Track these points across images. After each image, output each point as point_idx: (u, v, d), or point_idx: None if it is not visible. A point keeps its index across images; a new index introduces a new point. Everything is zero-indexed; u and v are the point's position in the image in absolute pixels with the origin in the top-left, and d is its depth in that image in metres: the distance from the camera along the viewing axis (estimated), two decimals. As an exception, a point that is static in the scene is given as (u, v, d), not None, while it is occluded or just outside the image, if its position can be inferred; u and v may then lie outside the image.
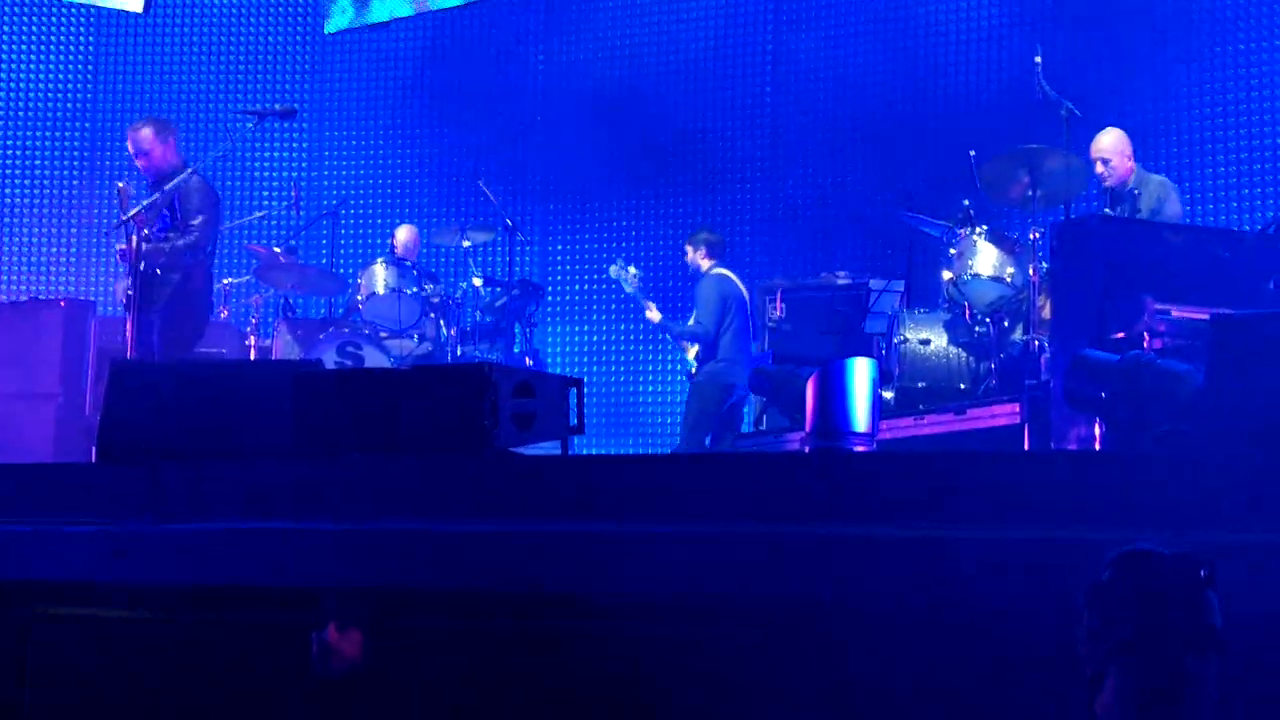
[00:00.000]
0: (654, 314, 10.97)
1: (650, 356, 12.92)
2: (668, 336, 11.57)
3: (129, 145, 9.20)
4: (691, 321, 10.75)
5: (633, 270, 11.22)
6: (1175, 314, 7.15)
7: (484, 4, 13.48)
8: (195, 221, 8.89)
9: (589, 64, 13.37)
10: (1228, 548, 3.77)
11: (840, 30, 12.64)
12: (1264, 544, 3.93)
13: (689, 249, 10.95)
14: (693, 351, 10.70)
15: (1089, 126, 9.26)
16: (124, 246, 8.54)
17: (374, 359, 10.50)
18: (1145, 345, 6.91)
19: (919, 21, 12.31)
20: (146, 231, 8.48)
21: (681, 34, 13.15)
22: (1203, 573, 3.18)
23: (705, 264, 10.81)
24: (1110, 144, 9.11)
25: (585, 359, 13.09)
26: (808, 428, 6.77)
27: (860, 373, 6.51)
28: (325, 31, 13.85)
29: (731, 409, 10.58)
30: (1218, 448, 4.49)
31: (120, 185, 8.81)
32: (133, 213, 8.41)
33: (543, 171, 13.41)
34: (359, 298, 10.94)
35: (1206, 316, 5.83)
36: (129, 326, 8.40)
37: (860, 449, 6.40)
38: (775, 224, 12.68)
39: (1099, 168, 9.10)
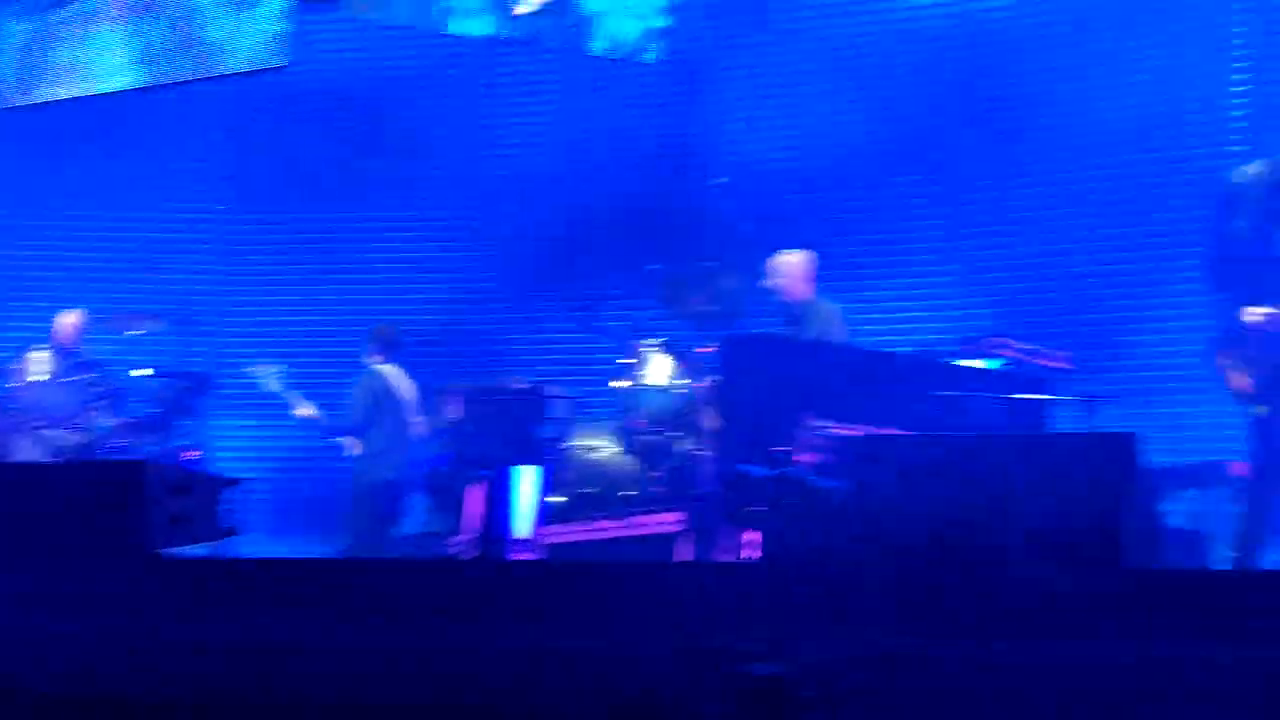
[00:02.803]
0: (305, 410, 10.91)
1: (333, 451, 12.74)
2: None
3: None
4: None
5: (274, 368, 11.14)
6: (833, 430, 7.37)
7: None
8: None
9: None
10: (878, 658, 3.87)
11: (519, 130, 12.76)
12: (905, 652, 4.05)
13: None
14: (353, 447, 10.71)
15: (766, 247, 9.52)
16: None
17: (27, 451, 10.11)
18: (803, 460, 7.09)
19: (595, 136, 12.50)
20: None
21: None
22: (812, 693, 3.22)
23: (370, 360, 10.83)
24: (790, 264, 9.35)
25: (258, 454, 12.79)
26: (472, 533, 6.76)
27: (526, 480, 6.55)
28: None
29: (384, 504, 10.56)
30: (865, 562, 4.60)
31: None
32: None
33: (217, 255, 13.19)
34: (15, 384, 10.51)
35: (860, 434, 6.02)
36: None
37: (522, 556, 6.42)
38: (456, 324, 12.66)
39: (775, 281, 9.28)
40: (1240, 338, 7.00)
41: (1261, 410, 6.94)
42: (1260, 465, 7.11)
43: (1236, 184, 6.90)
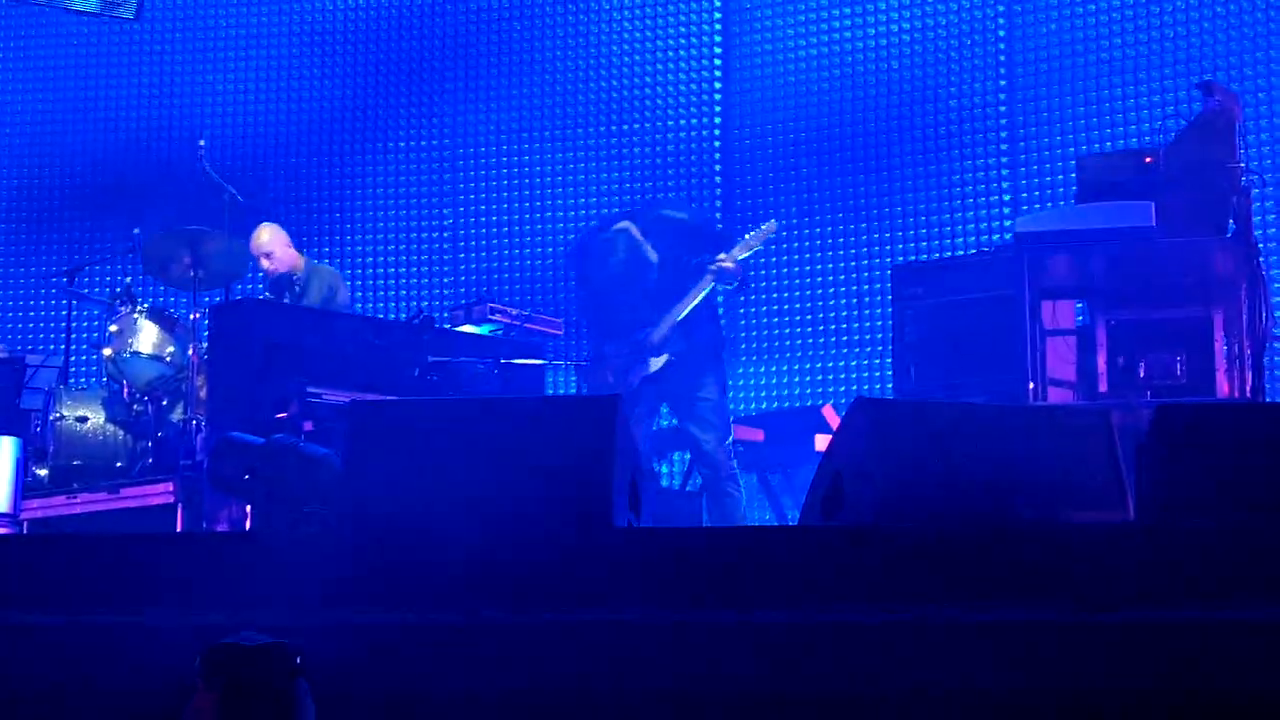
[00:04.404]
0: None
1: None
2: None
3: None
4: None
5: None
6: (326, 397, 7.38)
7: None
8: None
9: None
10: (337, 629, 3.92)
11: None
12: (392, 623, 4.10)
13: None
14: None
15: (252, 214, 9.45)
16: None
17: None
18: (298, 428, 7.08)
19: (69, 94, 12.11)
20: None
21: None
22: (297, 660, 3.23)
23: None
24: (268, 239, 9.33)
25: None
26: (-55, 508, 6.50)
27: (4, 451, 6.32)
28: None
29: None
30: (355, 530, 4.62)
31: None
32: None
33: None
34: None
35: (350, 400, 6.06)
36: None
37: (1, 530, 6.20)
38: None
39: (263, 262, 9.28)
40: (602, 360, 8.50)
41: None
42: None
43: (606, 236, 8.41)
